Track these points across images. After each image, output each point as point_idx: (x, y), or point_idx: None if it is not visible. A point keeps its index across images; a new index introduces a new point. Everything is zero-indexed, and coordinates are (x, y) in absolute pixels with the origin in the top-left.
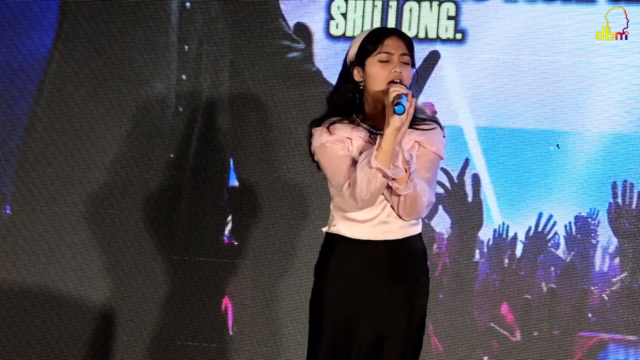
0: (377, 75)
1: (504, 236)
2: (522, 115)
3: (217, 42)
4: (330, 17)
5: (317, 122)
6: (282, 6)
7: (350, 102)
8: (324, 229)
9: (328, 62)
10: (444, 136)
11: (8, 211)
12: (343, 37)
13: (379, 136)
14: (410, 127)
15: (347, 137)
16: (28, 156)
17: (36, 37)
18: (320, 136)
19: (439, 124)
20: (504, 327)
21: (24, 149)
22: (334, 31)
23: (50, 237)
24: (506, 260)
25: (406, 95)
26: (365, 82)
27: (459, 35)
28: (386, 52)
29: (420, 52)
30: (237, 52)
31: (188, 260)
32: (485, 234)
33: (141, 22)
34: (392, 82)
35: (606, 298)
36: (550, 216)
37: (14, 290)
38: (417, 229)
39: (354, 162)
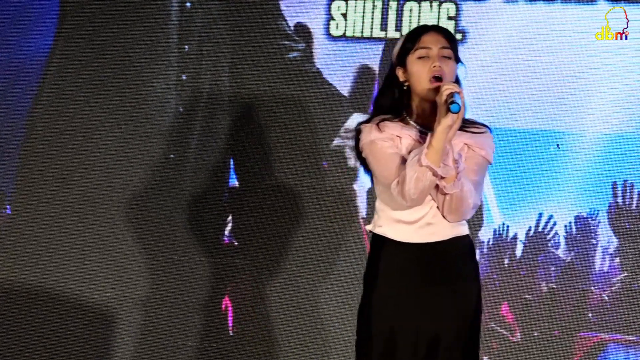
0: (418, 72)
1: (504, 236)
2: (522, 115)
3: (217, 42)
4: (330, 17)
5: (366, 123)
6: (282, 6)
7: (396, 103)
8: (369, 227)
9: (328, 62)
10: (493, 139)
11: (8, 211)
12: (343, 37)
13: (429, 134)
14: (460, 129)
15: (397, 135)
16: (28, 156)
17: (36, 37)
18: (370, 133)
19: (489, 128)
20: (504, 327)
21: (24, 149)
22: (334, 31)
23: (50, 237)
24: (506, 260)
25: (459, 93)
26: (409, 81)
27: (459, 36)
28: (424, 47)
29: None
30: (237, 52)
31: (188, 260)
32: (485, 234)
33: (141, 22)
34: (436, 78)
35: (606, 298)
36: (551, 216)
37: (14, 290)
38: (463, 230)
39: (403, 161)
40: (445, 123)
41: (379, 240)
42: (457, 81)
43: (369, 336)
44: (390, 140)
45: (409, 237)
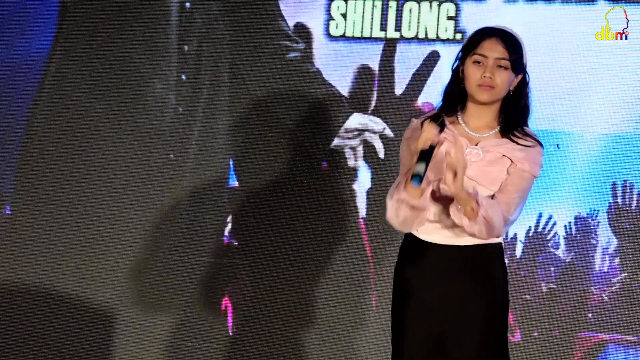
0: (469, 75)
1: (504, 236)
2: None
3: (217, 42)
4: (330, 18)
5: (422, 116)
6: (282, 6)
7: (455, 99)
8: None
9: (328, 62)
10: (542, 154)
11: (8, 211)
12: (343, 38)
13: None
14: (508, 137)
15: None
16: (28, 156)
17: (36, 37)
18: (410, 130)
19: (540, 142)
20: None
21: (24, 149)
22: (333, 31)
23: (50, 237)
24: (506, 261)
25: (419, 177)
26: (464, 81)
27: (458, 36)
28: (481, 54)
29: (420, 53)
30: (237, 52)
31: (188, 260)
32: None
33: (141, 21)
34: (434, 119)
35: (606, 298)
36: (550, 216)
37: (14, 290)
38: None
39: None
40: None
41: (408, 238)
42: (518, 93)
43: (403, 338)
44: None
45: (435, 238)
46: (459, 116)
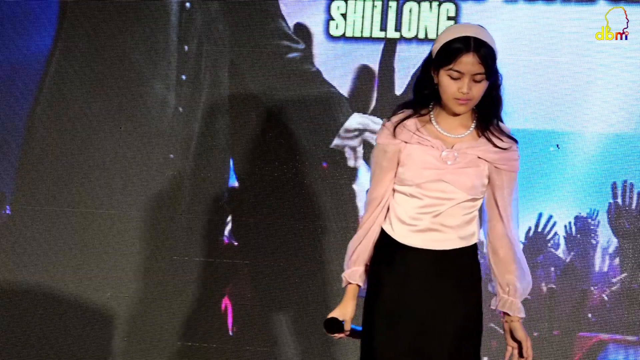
0: (445, 88)
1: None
2: (521, 116)
3: (217, 42)
4: (330, 18)
5: (404, 106)
6: (282, 6)
7: (427, 98)
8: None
9: (328, 62)
10: (517, 151)
11: (8, 211)
12: (343, 38)
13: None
14: (484, 136)
15: (406, 142)
16: (28, 156)
17: (36, 36)
18: (383, 135)
19: (515, 140)
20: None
21: (24, 149)
22: (333, 32)
23: (50, 237)
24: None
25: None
26: (438, 85)
27: None
28: (458, 71)
29: (420, 53)
30: (237, 52)
31: (188, 260)
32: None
33: (141, 22)
34: (328, 323)
35: (606, 298)
36: (550, 216)
37: (14, 290)
38: (473, 239)
39: (393, 170)
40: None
41: (383, 236)
42: (490, 98)
43: (372, 334)
44: (395, 147)
45: (411, 241)
46: (432, 116)
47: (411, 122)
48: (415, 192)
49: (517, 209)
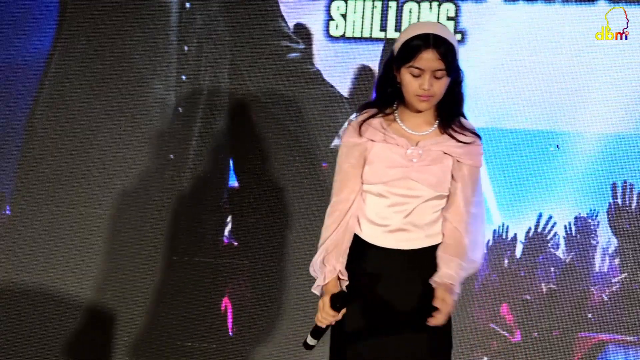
0: (407, 85)
1: (504, 237)
2: (521, 116)
3: (217, 42)
4: (330, 18)
5: (367, 105)
6: (282, 7)
7: (389, 96)
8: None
9: (328, 62)
10: (481, 146)
11: (8, 211)
12: (343, 38)
13: (325, 284)
14: (448, 133)
15: (372, 140)
16: (28, 156)
17: (36, 36)
18: (349, 134)
19: (478, 135)
20: (504, 327)
21: (24, 148)
22: (333, 32)
23: (50, 237)
24: (506, 261)
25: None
26: (400, 82)
27: (458, 36)
28: (418, 68)
29: None
30: (237, 52)
31: (188, 260)
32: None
33: (141, 22)
34: (333, 298)
35: (606, 298)
36: (550, 217)
37: (14, 290)
38: (439, 239)
39: (359, 169)
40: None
41: (359, 242)
42: (452, 94)
43: (343, 334)
44: (362, 146)
45: (381, 241)
46: (396, 114)
47: (376, 121)
48: (383, 190)
49: (481, 207)
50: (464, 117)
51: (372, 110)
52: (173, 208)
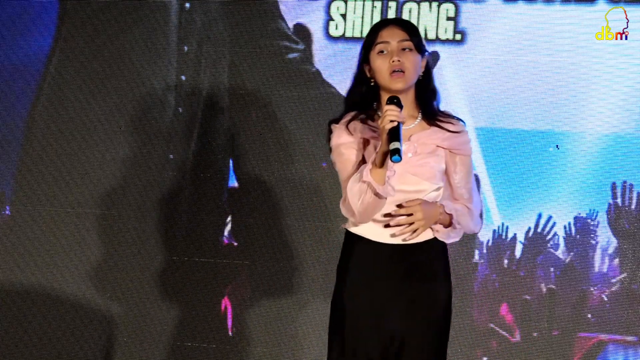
0: (379, 67)
1: (504, 237)
2: (521, 116)
3: (217, 42)
4: (329, 18)
5: (336, 121)
6: (281, 7)
7: (365, 99)
8: (343, 226)
9: (327, 62)
10: (468, 133)
11: (8, 211)
12: (342, 38)
13: (374, 154)
14: (434, 124)
15: (365, 139)
16: (28, 156)
17: (36, 36)
18: (339, 136)
19: (463, 121)
20: (504, 327)
21: (24, 148)
22: (333, 32)
23: (51, 237)
24: (505, 261)
25: (398, 153)
26: (374, 77)
27: (458, 36)
28: (382, 42)
29: None
30: (237, 52)
31: (188, 260)
32: (484, 235)
33: (141, 22)
34: (389, 101)
35: (606, 299)
36: (550, 217)
37: (14, 290)
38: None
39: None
40: (385, 150)
41: (351, 237)
42: (426, 76)
43: (341, 331)
44: (357, 144)
45: (381, 237)
46: (379, 113)
47: (360, 124)
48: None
49: (475, 191)
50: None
51: (352, 114)
52: (173, 208)
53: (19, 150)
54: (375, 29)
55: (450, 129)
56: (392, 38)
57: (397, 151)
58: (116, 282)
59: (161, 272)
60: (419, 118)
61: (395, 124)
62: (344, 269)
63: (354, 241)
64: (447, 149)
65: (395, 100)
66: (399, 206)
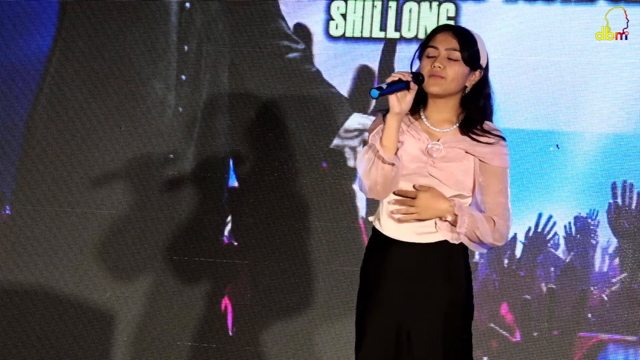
0: (422, 68)
1: None
2: (521, 116)
3: (217, 42)
4: (330, 18)
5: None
6: (282, 6)
7: (418, 95)
8: (371, 218)
9: (328, 62)
10: (506, 147)
11: (8, 211)
12: (343, 38)
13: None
14: (468, 135)
15: (401, 129)
16: (28, 156)
17: (36, 36)
18: (377, 122)
19: (502, 137)
20: (504, 327)
21: (24, 148)
22: (333, 32)
23: (50, 237)
24: (506, 261)
25: (403, 81)
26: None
27: None
28: (432, 47)
29: None
30: (237, 52)
31: (188, 260)
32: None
33: (141, 22)
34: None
35: (606, 298)
36: (550, 216)
37: (14, 290)
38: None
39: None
40: (392, 110)
41: (374, 235)
42: (477, 92)
43: (363, 331)
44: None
45: (399, 235)
46: (421, 112)
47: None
48: (403, 186)
49: (507, 207)
50: (490, 120)
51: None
52: (173, 208)
53: (19, 150)
54: (433, 32)
55: (482, 141)
56: (442, 45)
57: (379, 88)
58: (116, 282)
59: (161, 272)
60: (456, 125)
61: (397, 78)
62: (365, 270)
63: (375, 238)
64: (477, 156)
65: (419, 75)
66: (414, 187)
